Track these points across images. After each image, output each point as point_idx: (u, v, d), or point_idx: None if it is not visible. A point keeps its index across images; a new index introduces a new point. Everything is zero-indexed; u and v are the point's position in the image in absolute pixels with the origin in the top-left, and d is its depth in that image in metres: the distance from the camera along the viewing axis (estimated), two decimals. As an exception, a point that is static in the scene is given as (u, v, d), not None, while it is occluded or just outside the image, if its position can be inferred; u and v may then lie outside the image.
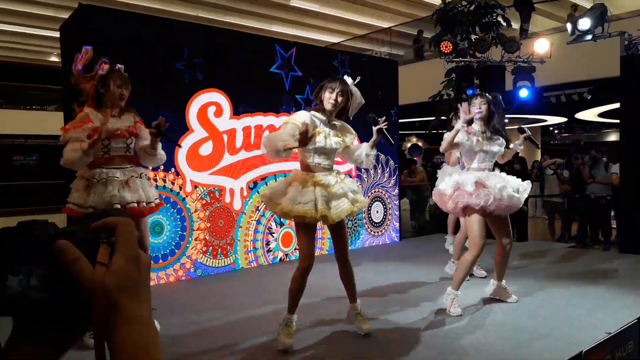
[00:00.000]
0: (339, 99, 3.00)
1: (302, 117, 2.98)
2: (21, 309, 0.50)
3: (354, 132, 3.25)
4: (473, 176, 3.57)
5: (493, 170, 3.74)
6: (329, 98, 3.00)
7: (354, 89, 3.09)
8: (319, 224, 3.06)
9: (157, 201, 3.31)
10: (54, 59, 13.69)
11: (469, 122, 3.56)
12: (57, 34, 5.36)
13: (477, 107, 3.65)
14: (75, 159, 2.91)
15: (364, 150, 3.20)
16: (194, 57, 4.90)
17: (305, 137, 2.75)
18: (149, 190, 3.23)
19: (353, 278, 3.21)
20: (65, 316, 0.53)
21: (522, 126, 4.10)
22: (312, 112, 3.06)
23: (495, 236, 3.80)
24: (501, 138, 3.71)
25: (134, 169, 3.19)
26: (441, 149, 3.70)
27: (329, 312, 3.70)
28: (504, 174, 3.74)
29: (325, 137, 2.99)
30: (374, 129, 3.13)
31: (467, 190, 3.52)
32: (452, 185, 3.61)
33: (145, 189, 3.19)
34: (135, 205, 3.09)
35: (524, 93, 6.99)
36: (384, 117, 3.17)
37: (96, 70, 3.05)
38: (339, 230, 3.11)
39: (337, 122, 3.14)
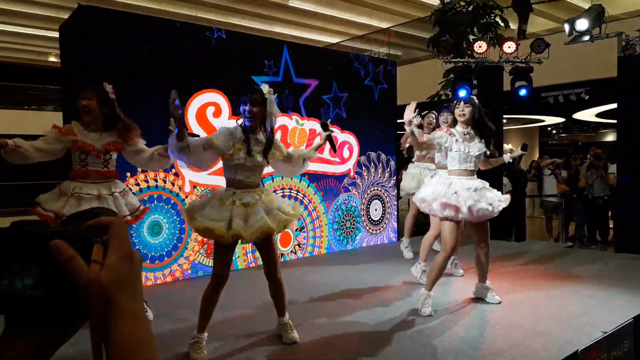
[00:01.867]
0: (254, 109, 2.87)
1: (218, 133, 2.89)
2: (17, 306, 0.51)
3: (284, 148, 3.15)
4: (441, 194, 3.59)
5: (476, 172, 3.77)
6: (243, 111, 2.90)
7: (271, 97, 2.95)
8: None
9: (129, 218, 3.31)
10: (53, 59, 13.69)
11: (418, 124, 3.70)
12: (56, 35, 5.37)
13: (461, 109, 3.70)
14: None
15: (304, 154, 3.22)
16: (195, 57, 4.92)
17: (172, 106, 2.57)
18: (121, 207, 3.26)
19: (283, 295, 3.11)
20: (59, 313, 0.54)
21: (525, 143, 4.21)
22: (234, 127, 2.94)
23: (474, 240, 3.88)
24: (483, 142, 3.71)
25: (108, 186, 3.27)
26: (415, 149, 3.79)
27: (327, 311, 3.72)
28: (479, 183, 3.70)
29: (245, 153, 2.88)
30: (324, 133, 3.20)
31: (434, 207, 3.63)
32: (430, 195, 3.69)
33: (117, 206, 3.23)
34: None
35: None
36: (329, 121, 3.30)
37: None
38: (265, 249, 3.01)
39: (263, 137, 2.98)
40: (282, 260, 5.61)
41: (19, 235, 0.53)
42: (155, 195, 4.69)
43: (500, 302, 3.84)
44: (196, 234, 4.84)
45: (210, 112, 5.03)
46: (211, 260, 5.00)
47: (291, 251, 5.74)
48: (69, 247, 0.53)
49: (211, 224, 2.77)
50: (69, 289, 0.53)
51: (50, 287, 0.52)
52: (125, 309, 0.54)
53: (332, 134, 3.23)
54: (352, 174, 6.36)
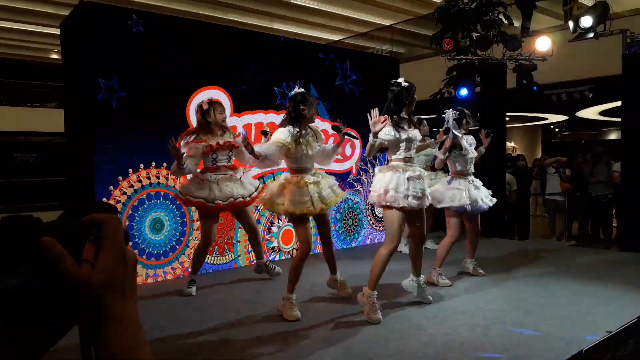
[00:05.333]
0: (313, 110, 3.60)
1: (281, 134, 3.50)
2: (6, 305, 0.49)
3: (322, 135, 3.85)
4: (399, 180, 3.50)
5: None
6: (314, 115, 3.62)
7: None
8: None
9: (253, 195, 4.19)
10: (55, 56, 13.66)
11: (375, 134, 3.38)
12: (57, 31, 5.35)
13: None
14: (173, 173, 4.12)
15: (332, 150, 3.80)
16: (196, 54, 4.90)
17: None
18: (247, 188, 4.17)
19: (334, 255, 3.93)
20: (49, 313, 0.51)
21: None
22: (289, 128, 3.52)
23: (409, 228, 3.74)
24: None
25: (233, 175, 4.15)
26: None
27: (328, 309, 3.71)
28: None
29: (306, 145, 3.54)
30: (340, 135, 3.69)
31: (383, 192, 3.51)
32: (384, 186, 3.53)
33: (245, 188, 4.14)
34: (241, 199, 4.07)
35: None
36: (341, 122, 3.90)
37: (200, 107, 4.18)
38: (323, 219, 3.72)
39: (311, 128, 3.69)
40: (278, 258, 5.58)
41: (9, 231, 0.50)
42: (153, 193, 4.67)
43: (430, 301, 3.77)
44: (198, 230, 4.87)
45: (212, 109, 5.00)
46: (212, 257, 5.01)
47: (288, 252, 5.70)
48: (59, 245, 0.51)
49: (300, 207, 3.43)
50: (59, 290, 0.51)
51: (40, 286, 0.50)
52: (116, 311, 0.52)
53: (345, 133, 3.71)
54: (354, 171, 6.33)
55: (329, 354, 2.91)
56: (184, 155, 3.95)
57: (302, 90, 3.61)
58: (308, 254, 3.57)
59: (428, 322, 3.41)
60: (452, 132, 4.35)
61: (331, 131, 5.86)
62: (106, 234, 0.54)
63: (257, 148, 3.40)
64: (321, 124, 5.95)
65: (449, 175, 4.67)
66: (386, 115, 3.49)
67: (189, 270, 4.41)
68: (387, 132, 3.48)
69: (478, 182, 4.58)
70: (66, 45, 5.04)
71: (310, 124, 3.66)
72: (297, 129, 3.52)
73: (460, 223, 4.45)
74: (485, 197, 4.49)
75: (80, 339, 0.52)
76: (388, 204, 3.48)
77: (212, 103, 4.16)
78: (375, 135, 3.34)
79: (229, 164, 4.16)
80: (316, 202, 3.47)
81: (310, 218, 3.61)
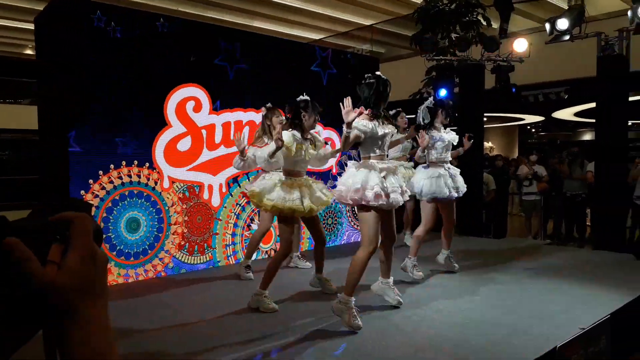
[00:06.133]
0: (313, 118, 3.72)
1: (285, 137, 3.56)
2: None
3: (322, 139, 3.97)
4: (377, 178, 3.30)
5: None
6: (314, 122, 3.72)
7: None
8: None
9: None
10: (29, 51, 13.36)
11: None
12: (32, 26, 5.22)
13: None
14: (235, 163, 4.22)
15: (330, 154, 3.84)
16: (173, 50, 4.83)
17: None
18: None
19: (324, 256, 4.09)
20: (14, 317, 0.49)
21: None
22: (293, 132, 3.65)
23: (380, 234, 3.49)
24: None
25: None
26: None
27: (307, 310, 3.70)
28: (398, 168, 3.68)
29: (304, 150, 3.66)
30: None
31: (368, 195, 3.25)
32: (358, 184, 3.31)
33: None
34: None
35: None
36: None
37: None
38: (313, 221, 3.88)
39: (311, 135, 3.80)
40: (255, 257, 5.54)
41: None
42: (127, 192, 4.59)
43: (401, 303, 3.65)
44: (175, 228, 4.81)
45: (190, 106, 4.94)
46: (192, 257, 4.96)
47: (266, 252, 5.66)
48: (24, 246, 0.48)
49: (289, 204, 3.52)
50: (25, 292, 0.48)
51: (4, 289, 0.47)
52: (84, 314, 0.50)
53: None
54: (334, 170, 6.33)
55: (306, 354, 2.90)
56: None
57: (306, 98, 3.74)
58: (288, 254, 3.74)
59: (406, 321, 3.42)
60: (422, 123, 4.51)
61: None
62: (75, 233, 0.52)
63: (267, 149, 3.61)
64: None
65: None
66: (362, 107, 3.38)
67: (243, 256, 4.77)
68: (364, 124, 3.31)
69: (454, 170, 4.59)
70: (40, 40, 4.92)
71: (310, 131, 3.79)
72: (300, 134, 3.68)
73: (435, 211, 4.47)
74: (457, 188, 4.50)
75: (45, 341, 0.50)
76: (363, 202, 3.26)
77: (270, 109, 4.47)
78: (349, 125, 3.16)
79: None
80: (306, 202, 3.58)
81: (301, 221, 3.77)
